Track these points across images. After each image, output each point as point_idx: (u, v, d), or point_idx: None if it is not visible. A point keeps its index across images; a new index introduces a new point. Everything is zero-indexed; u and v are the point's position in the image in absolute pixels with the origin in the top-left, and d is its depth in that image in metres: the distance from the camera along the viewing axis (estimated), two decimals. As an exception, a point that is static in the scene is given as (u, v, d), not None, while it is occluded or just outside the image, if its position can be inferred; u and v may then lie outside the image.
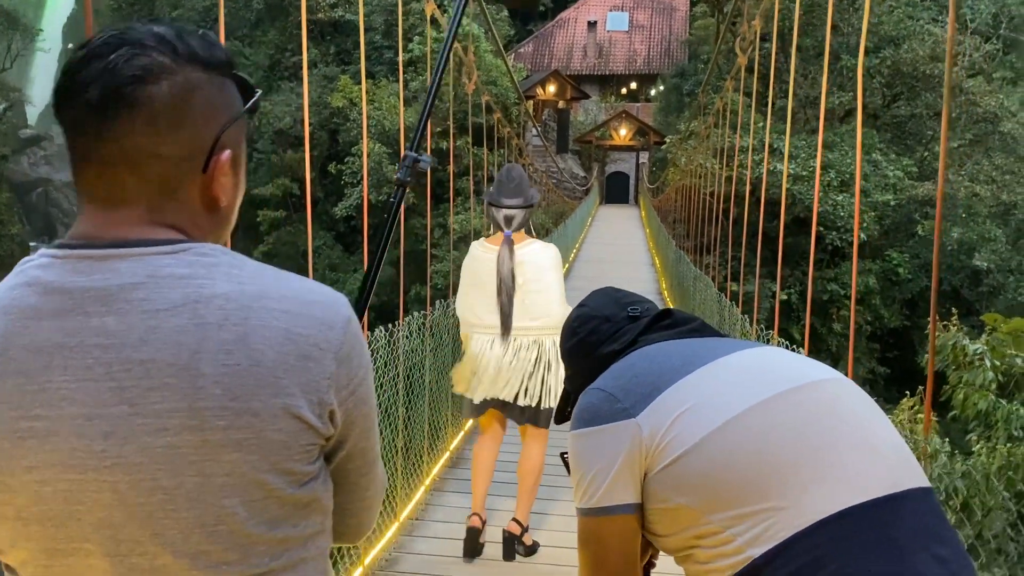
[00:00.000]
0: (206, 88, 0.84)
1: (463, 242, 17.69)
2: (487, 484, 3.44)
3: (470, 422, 5.39)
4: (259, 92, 0.91)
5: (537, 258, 3.25)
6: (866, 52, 19.04)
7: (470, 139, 8.63)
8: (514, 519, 3.41)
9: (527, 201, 3.28)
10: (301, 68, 25.98)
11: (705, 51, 30.29)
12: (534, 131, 25.89)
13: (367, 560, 3.26)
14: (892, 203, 16.98)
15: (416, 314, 4.28)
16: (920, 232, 17.18)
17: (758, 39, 5.70)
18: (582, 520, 1.20)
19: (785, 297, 15.77)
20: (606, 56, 39.91)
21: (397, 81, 17.81)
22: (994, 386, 5.05)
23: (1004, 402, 4.92)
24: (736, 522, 1.05)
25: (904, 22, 19.35)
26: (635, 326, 1.33)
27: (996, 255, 16.38)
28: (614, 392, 1.18)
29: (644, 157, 35.76)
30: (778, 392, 1.11)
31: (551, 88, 35.82)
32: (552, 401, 3.26)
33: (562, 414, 1.43)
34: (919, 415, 5.44)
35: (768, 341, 4.10)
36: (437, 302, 4.79)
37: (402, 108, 4.63)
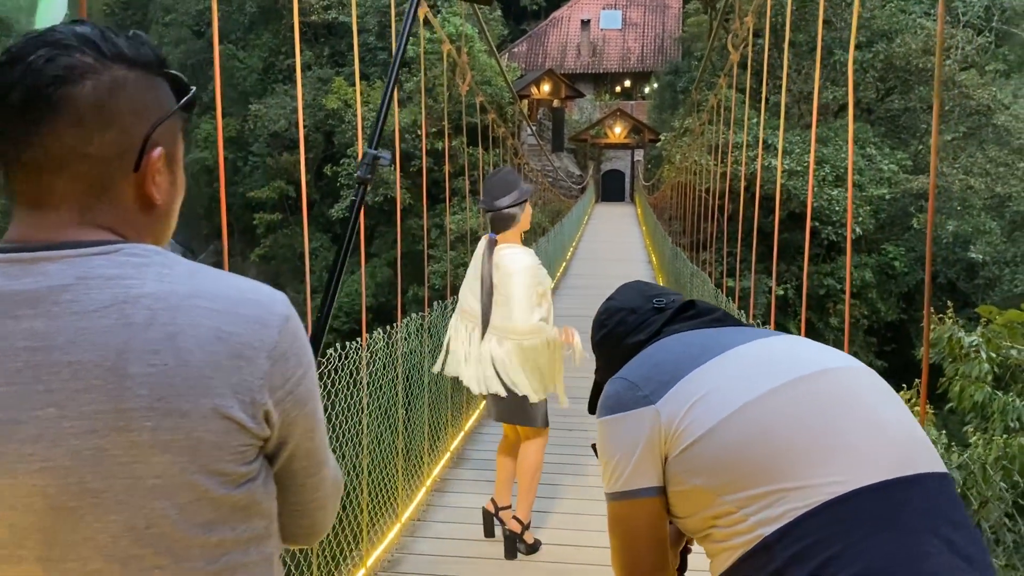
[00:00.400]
0: (133, 87, 0.83)
1: (460, 242, 17.74)
2: (502, 475, 3.55)
3: (470, 422, 5.41)
4: (193, 90, 0.89)
5: (506, 263, 3.33)
6: (859, 47, 19.08)
7: (465, 139, 8.63)
8: (514, 517, 3.46)
9: (499, 205, 3.36)
10: (295, 71, 25.97)
11: (698, 48, 30.30)
12: (529, 130, 25.92)
13: (369, 561, 3.27)
14: (887, 197, 17.02)
15: (414, 315, 4.29)
16: (915, 225, 17.21)
17: (751, 35, 5.71)
18: (610, 504, 1.25)
19: (781, 292, 15.80)
20: (600, 54, 39.91)
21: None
22: (990, 378, 5.07)
23: (1000, 394, 4.95)
24: (748, 503, 1.09)
25: (896, 16, 19.40)
26: (660, 317, 1.38)
27: (991, 247, 16.42)
28: (635, 380, 1.22)
29: (639, 155, 35.78)
30: (792, 379, 1.15)
31: (545, 87, 35.82)
32: (528, 398, 3.32)
33: (593, 405, 1.47)
34: (915, 407, 5.46)
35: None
36: (435, 303, 4.80)
37: (396, 109, 4.65)
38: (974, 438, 4.78)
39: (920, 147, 19.13)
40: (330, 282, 1.24)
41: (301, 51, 2.91)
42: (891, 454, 1.09)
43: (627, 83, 40.12)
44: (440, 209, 17.41)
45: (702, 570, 1.26)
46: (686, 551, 1.38)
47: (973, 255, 16.35)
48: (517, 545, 3.46)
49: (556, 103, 36.55)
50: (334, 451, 3.11)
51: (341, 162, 21.84)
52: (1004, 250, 16.75)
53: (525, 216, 3.40)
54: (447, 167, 7.12)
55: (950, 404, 5.29)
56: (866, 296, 17.39)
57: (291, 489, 0.92)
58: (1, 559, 0.78)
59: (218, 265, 1.11)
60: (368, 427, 3.37)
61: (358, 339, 3.32)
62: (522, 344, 3.27)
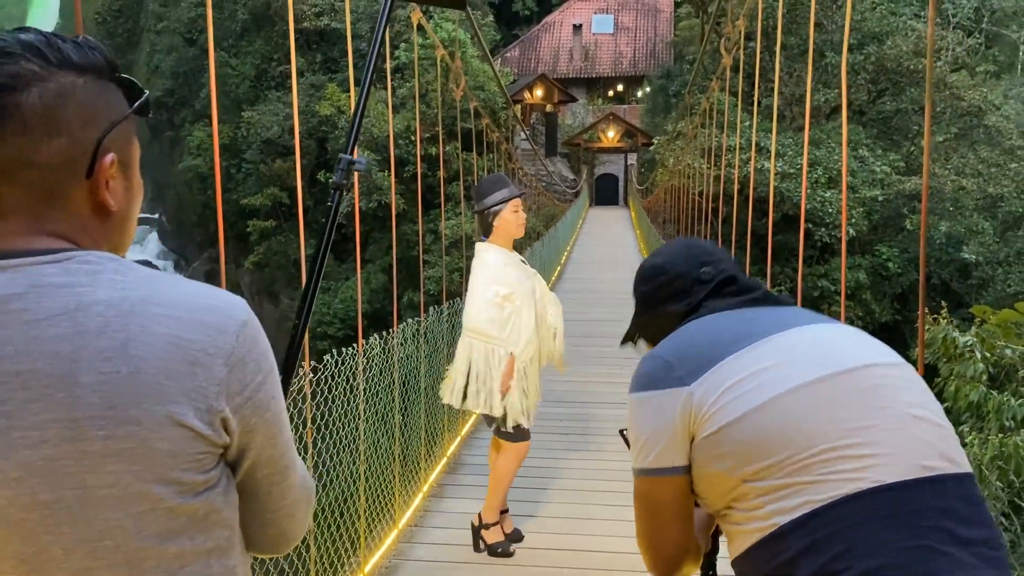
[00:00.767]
0: (82, 93, 0.81)
1: (455, 247, 17.71)
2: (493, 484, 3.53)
3: (467, 427, 5.40)
4: (146, 94, 0.88)
5: (473, 263, 3.37)
6: (850, 49, 19.14)
7: (459, 144, 8.64)
8: (478, 514, 3.54)
9: (477, 208, 3.43)
10: (288, 77, 25.97)
11: (690, 52, 30.42)
12: (523, 135, 25.93)
13: (367, 567, 3.26)
14: (880, 198, 17.07)
15: (410, 320, 4.29)
16: (908, 227, 17.26)
17: (743, 39, 5.74)
18: (637, 480, 1.28)
19: (776, 294, 15.79)
20: (592, 59, 40.01)
21: (385, 88, 17.82)
22: (985, 377, 5.09)
23: (995, 393, 4.96)
24: (766, 492, 1.12)
25: (887, 18, 19.49)
26: (702, 288, 1.39)
27: (984, 248, 16.46)
28: (671, 360, 1.24)
29: (632, 158, 35.87)
30: (825, 374, 1.16)
31: (538, 92, 35.89)
32: (493, 410, 3.32)
33: (625, 340, 1.53)
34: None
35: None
36: (431, 308, 4.79)
37: (391, 115, 4.65)
38: (970, 438, 4.79)
39: (912, 148, 19.21)
40: (307, 290, 1.24)
41: (295, 58, 2.91)
42: (914, 454, 1.10)
43: (620, 87, 40.23)
44: (435, 214, 17.42)
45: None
46: (718, 533, 1.40)
47: (966, 255, 16.40)
48: (476, 539, 3.50)
49: (549, 108, 36.63)
50: (331, 458, 3.11)
51: (335, 169, 21.84)
52: (997, 250, 16.79)
53: (507, 221, 3.34)
54: (442, 172, 7.12)
55: (945, 404, 5.31)
56: (860, 297, 17.43)
57: (257, 497, 0.90)
58: None
59: (214, 273, 1.10)
60: (365, 433, 3.37)
61: (354, 345, 3.32)
62: (482, 344, 3.29)
